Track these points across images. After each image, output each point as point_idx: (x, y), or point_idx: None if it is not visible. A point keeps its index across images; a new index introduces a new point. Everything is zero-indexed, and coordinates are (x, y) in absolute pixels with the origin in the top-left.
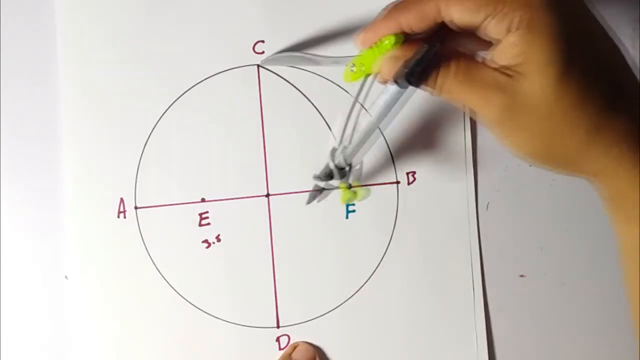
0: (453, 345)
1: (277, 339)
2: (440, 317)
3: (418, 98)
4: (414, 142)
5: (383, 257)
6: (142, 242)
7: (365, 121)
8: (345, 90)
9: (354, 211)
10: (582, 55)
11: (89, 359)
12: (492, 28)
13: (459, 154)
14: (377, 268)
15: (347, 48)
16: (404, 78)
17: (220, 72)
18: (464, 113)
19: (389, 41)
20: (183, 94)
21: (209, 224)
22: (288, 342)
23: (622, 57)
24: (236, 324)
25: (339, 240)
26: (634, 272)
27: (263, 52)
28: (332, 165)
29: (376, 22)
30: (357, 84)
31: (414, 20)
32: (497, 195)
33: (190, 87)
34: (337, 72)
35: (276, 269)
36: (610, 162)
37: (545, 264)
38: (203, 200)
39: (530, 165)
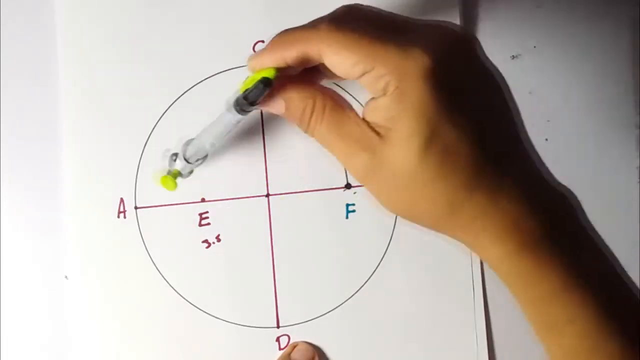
0: (453, 345)
1: (277, 339)
2: (440, 317)
3: None
4: None
5: (383, 257)
6: (142, 242)
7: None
8: (345, 90)
9: (354, 211)
10: (450, 130)
11: (89, 359)
12: (367, 85)
13: None
14: (377, 268)
15: None
16: (231, 105)
17: (220, 72)
18: None
19: (271, 71)
20: (183, 94)
21: (209, 224)
22: (288, 342)
23: (510, 128)
24: (236, 324)
25: (339, 240)
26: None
27: None
28: (183, 155)
29: (264, 51)
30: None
31: (294, 59)
32: None
33: (190, 87)
34: None
35: (276, 269)
36: (474, 231)
37: None
38: (203, 200)
39: None
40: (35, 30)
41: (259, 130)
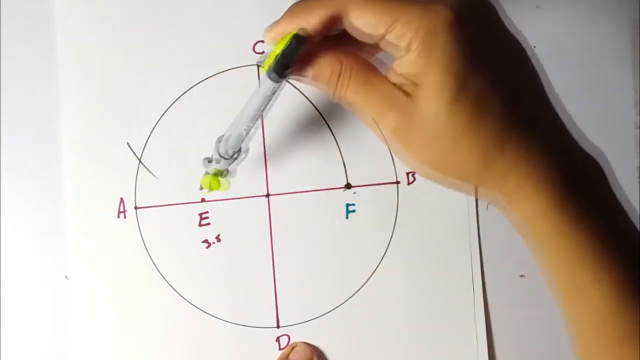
0: (453, 345)
1: (277, 339)
2: (440, 317)
3: None
4: None
5: (383, 257)
6: (142, 242)
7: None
8: None
9: (354, 211)
10: (478, 82)
11: (88, 359)
12: (391, 43)
13: None
14: (377, 268)
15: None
16: (266, 73)
17: (220, 72)
18: None
19: (288, 37)
20: (183, 94)
21: (209, 224)
22: (288, 342)
23: (538, 89)
24: (236, 324)
25: (339, 240)
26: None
27: (263, 52)
28: (217, 152)
29: (282, 20)
30: None
31: (316, 23)
32: None
33: (190, 87)
34: None
35: (276, 269)
36: (508, 186)
37: None
38: (203, 200)
39: None
40: (35, 30)
41: (259, 130)
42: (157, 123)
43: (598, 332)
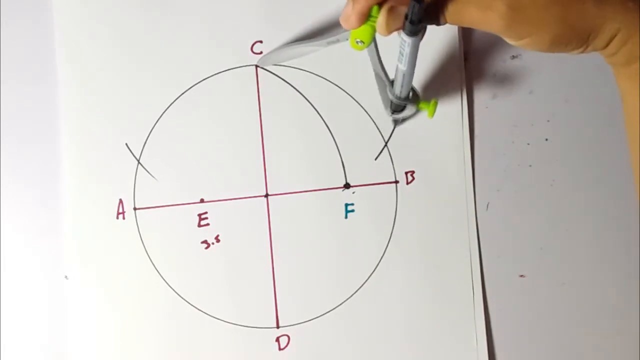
0: (453, 345)
1: (277, 339)
2: (440, 317)
3: None
4: (413, 142)
5: (382, 257)
6: (141, 243)
7: (401, 67)
8: (343, 90)
9: (353, 211)
10: None
11: (88, 359)
12: None
13: (458, 154)
14: (376, 268)
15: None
16: (409, 29)
17: (219, 73)
18: (463, 112)
19: (375, 9)
20: (182, 95)
21: (208, 224)
22: (288, 342)
23: None
24: (236, 324)
25: (338, 240)
26: None
27: (261, 53)
28: (394, 100)
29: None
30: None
31: None
32: (497, 195)
33: (189, 87)
34: (335, 72)
35: (276, 269)
36: (626, 14)
37: (545, 264)
38: (202, 200)
39: (530, 166)
40: (34, 30)
41: (258, 130)
42: (155, 124)
43: None
